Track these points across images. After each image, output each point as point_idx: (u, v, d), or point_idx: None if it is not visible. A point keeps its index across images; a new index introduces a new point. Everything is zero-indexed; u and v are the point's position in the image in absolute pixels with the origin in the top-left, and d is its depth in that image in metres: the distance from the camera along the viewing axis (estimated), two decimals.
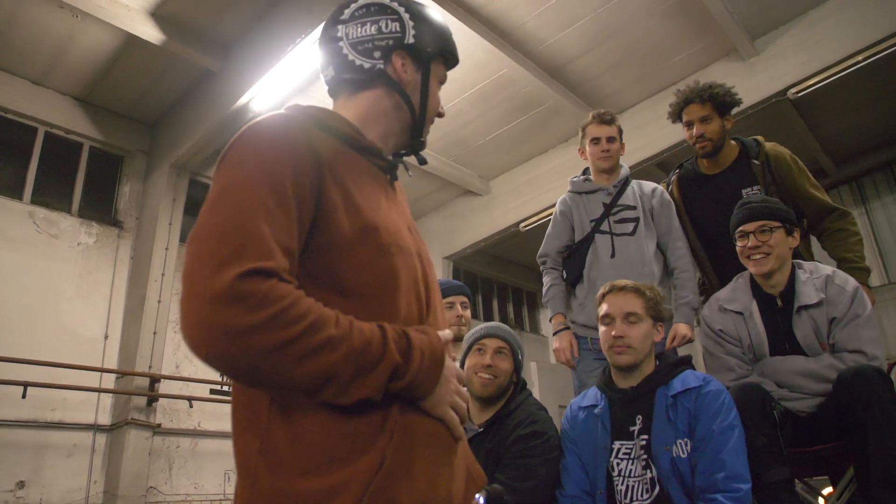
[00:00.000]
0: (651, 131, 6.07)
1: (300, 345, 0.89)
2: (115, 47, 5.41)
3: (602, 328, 2.16)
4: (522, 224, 7.24)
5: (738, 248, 2.37)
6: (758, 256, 2.28)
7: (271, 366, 0.88)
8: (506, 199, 7.49)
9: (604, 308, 2.16)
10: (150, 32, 5.03)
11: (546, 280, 3.06)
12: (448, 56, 1.30)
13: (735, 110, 2.85)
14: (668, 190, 3.05)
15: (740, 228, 2.36)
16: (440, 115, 1.32)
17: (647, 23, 5.40)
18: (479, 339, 2.39)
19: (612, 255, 2.82)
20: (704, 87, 2.84)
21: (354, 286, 1.03)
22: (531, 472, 2.12)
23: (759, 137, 2.92)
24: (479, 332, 2.44)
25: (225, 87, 5.50)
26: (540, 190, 7.07)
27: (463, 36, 5.12)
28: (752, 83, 5.58)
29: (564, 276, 2.99)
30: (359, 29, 1.21)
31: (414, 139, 1.26)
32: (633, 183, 3.03)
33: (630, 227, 2.88)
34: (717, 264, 2.85)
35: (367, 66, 1.20)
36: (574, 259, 2.93)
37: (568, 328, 2.88)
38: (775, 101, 5.63)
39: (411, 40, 1.21)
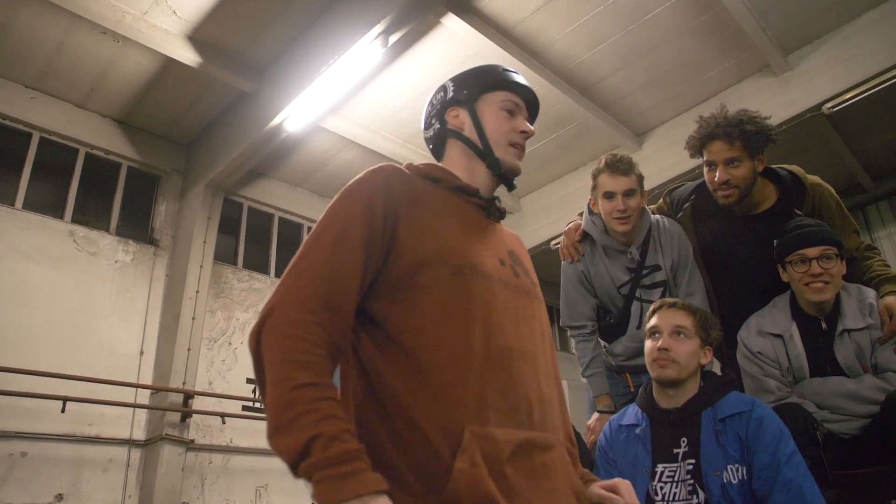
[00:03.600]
0: (683, 149, 5.97)
1: (282, 367, 1.03)
2: (154, 71, 5.56)
3: (648, 342, 2.12)
4: (553, 242, 7.18)
5: (792, 274, 2.26)
6: (819, 284, 2.19)
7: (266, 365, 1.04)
8: (537, 217, 7.46)
9: (652, 322, 2.13)
10: (187, 56, 5.16)
11: (585, 348, 2.64)
12: (498, 84, 1.44)
13: (769, 124, 2.37)
14: (677, 218, 2.68)
15: (800, 252, 2.23)
16: (525, 133, 1.43)
17: (678, 41, 5.37)
18: None
19: (639, 327, 2.55)
20: (734, 122, 2.32)
21: (427, 302, 1.16)
22: None
23: (798, 172, 2.50)
24: None
25: (259, 108, 5.60)
26: (571, 208, 7.01)
27: (494, 55, 5.17)
28: (786, 98, 5.50)
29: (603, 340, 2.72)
30: (426, 112, 1.52)
31: (487, 164, 1.40)
32: (653, 228, 2.59)
33: (656, 294, 2.55)
34: (728, 312, 2.55)
35: (429, 135, 1.50)
36: (614, 330, 2.68)
37: (612, 412, 2.48)
38: (810, 116, 5.54)
39: (451, 94, 1.46)
